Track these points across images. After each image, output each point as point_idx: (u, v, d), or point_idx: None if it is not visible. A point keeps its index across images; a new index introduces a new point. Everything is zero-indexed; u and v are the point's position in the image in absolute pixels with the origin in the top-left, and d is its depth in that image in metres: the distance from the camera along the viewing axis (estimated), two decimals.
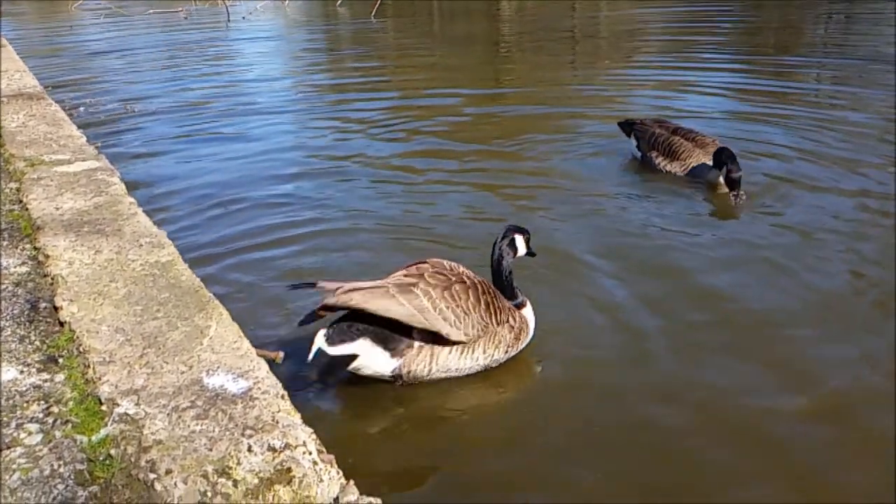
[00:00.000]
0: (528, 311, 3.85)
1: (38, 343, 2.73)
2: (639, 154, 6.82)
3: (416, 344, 3.51)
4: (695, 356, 3.85)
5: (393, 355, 3.48)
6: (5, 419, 2.29)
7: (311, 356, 3.37)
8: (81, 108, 9.49)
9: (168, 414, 2.29)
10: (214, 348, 2.65)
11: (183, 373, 2.50)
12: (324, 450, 2.24)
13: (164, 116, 9.29)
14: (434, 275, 3.55)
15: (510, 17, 20.51)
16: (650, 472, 3.08)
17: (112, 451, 2.14)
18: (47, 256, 3.38)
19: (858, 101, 8.98)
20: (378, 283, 3.47)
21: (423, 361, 3.52)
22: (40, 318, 2.90)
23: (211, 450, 2.14)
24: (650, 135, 6.65)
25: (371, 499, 2.10)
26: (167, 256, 3.41)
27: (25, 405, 2.37)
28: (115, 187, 4.33)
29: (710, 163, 6.18)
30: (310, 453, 2.17)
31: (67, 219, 3.83)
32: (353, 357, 3.42)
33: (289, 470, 2.08)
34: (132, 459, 2.11)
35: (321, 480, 2.11)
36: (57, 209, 3.96)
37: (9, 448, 2.16)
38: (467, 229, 5.42)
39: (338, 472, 2.18)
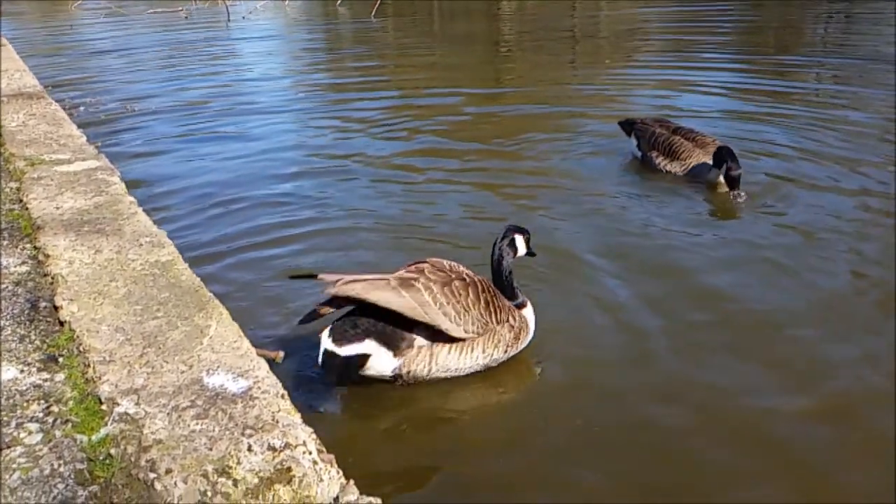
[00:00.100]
0: (528, 312, 3.84)
1: (38, 342, 2.73)
2: (639, 153, 6.81)
3: (416, 344, 3.50)
4: (696, 356, 3.85)
5: (394, 355, 3.48)
6: (5, 418, 2.29)
7: (320, 359, 3.36)
8: (81, 108, 9.48)
9: (168, 413, 2.28)
10: (214, 348, 2.65)
11: (183, 372, 2.50)
12: (324, 449, 2.24)
13: (164, 116, 9.28)
14: (434, 271, 3.55)
15: (510, 17, 20.49)
16: (651, 472, 3.08)
17: (112, 451, 2.13)
18: (47, 256, 3.37)
19: (859, 100, 8.98)
20: (379, 276, 3.47)
21: (423, 361, 3.51)
22: (40, 318, 2.90)
23: (211, 449, 2.13)
24: (650, 134, 6.64)
25: (371, 499, 2.10)
26: (167, 256, 3.41)
27: (25, 404, 2.36)
28: (115, 187, 4.33)
29: (711, 162, 6.18)
30: (310, 453, 2.16)
31: (67, 218, 3.82)
32: (366, 357, 3.41)
33: (289, 469, 2.08)
34: (132, 459, 2.10)
35: (321, 480, 2.11)
36: (57, 209, 3.96)
37: (9, 447, 2.16)
38: (468, 229, 5.42)
39: (338, 472, 2.17)
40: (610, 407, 3.48)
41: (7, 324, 2.85)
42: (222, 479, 2.03)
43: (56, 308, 2.93)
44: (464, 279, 3.58)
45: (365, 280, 3.39)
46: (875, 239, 5.07)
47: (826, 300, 4.36)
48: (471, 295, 3.54)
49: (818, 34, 15.26)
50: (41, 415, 2.31)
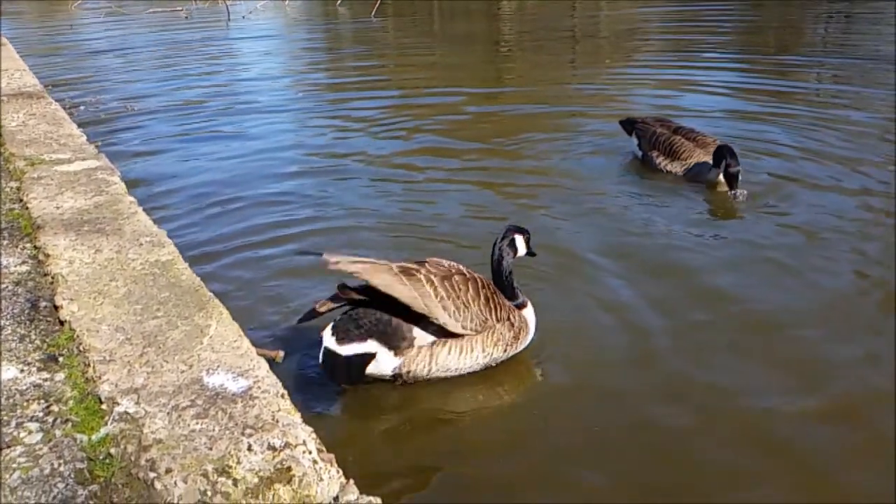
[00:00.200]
0: (528, 312, 3.82)
1: (38, 342, 2.72)
2: (640, 153, 6.80)
3: (416, 343, 3.49)
4: (697, 356, 3.84)
5: (394, 355, 3.47)
6: (5, 418, 2.28)
7: (321, 358, 3.35)
8: (81, 107, 9.47)
9: (168, 413, 2.28)
10: (214, 347, 2.64)
11: (183, 372, 2.49)
12: (324, 449, 2.23)
13: (164, 115, 9.28)
14: (435, 265, 3.55)
15: (510, 16, 20.49)
16: (652, 472, 3.07)
17: (112, 450, 2.13)
18: (47, 255, 3.37)
19: (859, 99, 8.98)
20: (383, 261, 3.47)
21: (423, 361, 3.50)
22: (40, 317, 2.89)
23: (211, 449, 2.13)
24: (651, 134, 6.63)
25: (371, 498, 2.10)
26: (167, 255, 3.40)
27: (25, 404, 2.36)
28: (115, 186, 4.32)
29: (711, 162, 6.17)
30: (310, 452, 2.16)
31: (67, 218, 3.82)
32: (367, 357, 3.40)
33: (289, 469, 2.07)
34: (132, 458, 2.10)
35: (321, 479, 2.10)
36: (57, 208, 3.95)
37: (9, 447, 2.15)
38: (468, 228, 5.41)
39: (338, 472, 2.17)
40: (611, 407, 3.47)
41: (7, 323, 2.84)
42: (222, 479, 2.03)
43: (56, 308, 2.92)
44: (464, 275, 3.58)
45: (368, 262, 3.38)
46: (877, 239, 5.06)
47: (828, 300, 4.35)
48: (471, 291, 3.53)
49: (818, 34, 15.26)
50: (41, 414, 2.30)
